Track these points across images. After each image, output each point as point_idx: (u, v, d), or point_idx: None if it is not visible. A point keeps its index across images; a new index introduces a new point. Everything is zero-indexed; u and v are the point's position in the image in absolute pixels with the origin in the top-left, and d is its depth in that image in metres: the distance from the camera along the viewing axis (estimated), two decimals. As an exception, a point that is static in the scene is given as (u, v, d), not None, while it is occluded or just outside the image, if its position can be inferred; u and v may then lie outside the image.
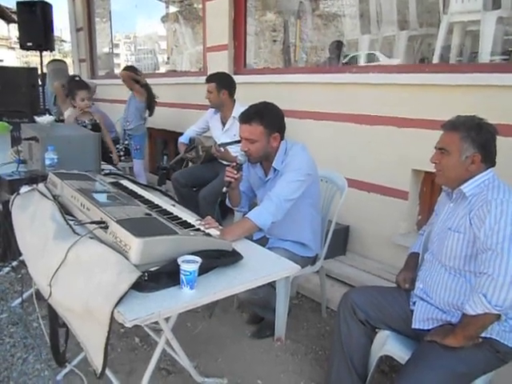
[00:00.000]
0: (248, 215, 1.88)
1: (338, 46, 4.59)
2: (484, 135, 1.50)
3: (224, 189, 1.99)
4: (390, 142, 2.81)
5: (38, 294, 1.89)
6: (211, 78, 3.26)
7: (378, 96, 2.86)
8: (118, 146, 4.53)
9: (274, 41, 5.66)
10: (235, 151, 3.12)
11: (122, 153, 4.52)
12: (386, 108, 2.82)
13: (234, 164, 1.99)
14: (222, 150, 3.11)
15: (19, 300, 2.57)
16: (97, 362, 1.26)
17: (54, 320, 1.92)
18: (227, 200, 2.24)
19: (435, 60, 3.15)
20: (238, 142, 3.01)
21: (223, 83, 3.23)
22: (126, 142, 4.55)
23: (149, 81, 4.39)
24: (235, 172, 1.97)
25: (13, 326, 2.40)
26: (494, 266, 1.35)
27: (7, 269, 2.92)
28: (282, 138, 2.08)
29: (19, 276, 2.87)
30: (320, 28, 5.51)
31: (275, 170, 2.07)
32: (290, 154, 2.04)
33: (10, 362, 2.11)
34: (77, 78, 4.32)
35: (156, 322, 1.30)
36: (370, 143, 2.94)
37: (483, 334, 1.44)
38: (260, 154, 2.03)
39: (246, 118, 2.00)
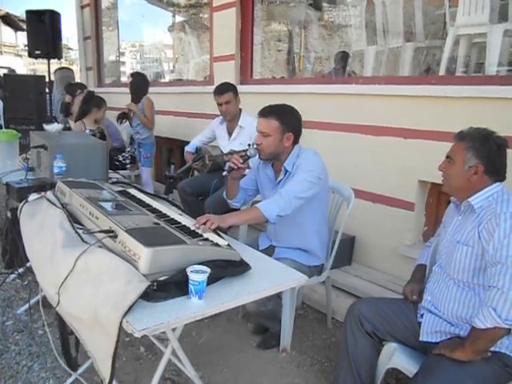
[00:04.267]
0: (257, 205, 1.94)
1: (343, 56, 4.60)
2: (489, 147, 1.51)
3: (224, 172, 2.08)
4: (396, 153, 2.82)
5: (44, 301, 1.89)
6: (226, 88, 3.16)
7: (384, 107, 2.87)
8: (123, 153, 4.58)
9: (279, 50, 5.69)
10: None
11: (128, 161, 4.57)
12: (391, 119, 2.82)
13: (243, 154, 2.04)
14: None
15: (25, 307, 2.57)
16: (104, 372, 1.25)
17: (63, 326, 1.91)
18: (224, 192, 2.29)
19: (441, 72, 3.15)
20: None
21: (235, 90, 3.22)
22: (133, 150, 4.59)
23: (154, 89, 4.43)
24: (241, 161, 2.02)
25: (18, 333, 2.39)
26: (504, 279, 1.35)
27: (13, 276, 2.92)
28: (296, 142, 2.10)
29: (25, 283, 2.88)
30: (325, 38, 5.53)
31: (286, 171, 2.08)
32: (303, 156, 2.07)
33: (15, 369, 2.10)
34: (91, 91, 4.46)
35: (162, 332, 1.29)
36: (375, 154, 2.94)
37: (492, 348, 1.43)
38: (271, 150, 2.05)
39: (265, 112, 2.06)
